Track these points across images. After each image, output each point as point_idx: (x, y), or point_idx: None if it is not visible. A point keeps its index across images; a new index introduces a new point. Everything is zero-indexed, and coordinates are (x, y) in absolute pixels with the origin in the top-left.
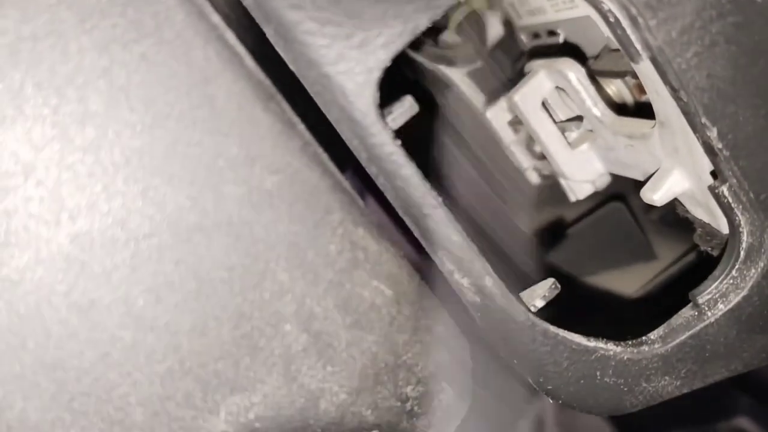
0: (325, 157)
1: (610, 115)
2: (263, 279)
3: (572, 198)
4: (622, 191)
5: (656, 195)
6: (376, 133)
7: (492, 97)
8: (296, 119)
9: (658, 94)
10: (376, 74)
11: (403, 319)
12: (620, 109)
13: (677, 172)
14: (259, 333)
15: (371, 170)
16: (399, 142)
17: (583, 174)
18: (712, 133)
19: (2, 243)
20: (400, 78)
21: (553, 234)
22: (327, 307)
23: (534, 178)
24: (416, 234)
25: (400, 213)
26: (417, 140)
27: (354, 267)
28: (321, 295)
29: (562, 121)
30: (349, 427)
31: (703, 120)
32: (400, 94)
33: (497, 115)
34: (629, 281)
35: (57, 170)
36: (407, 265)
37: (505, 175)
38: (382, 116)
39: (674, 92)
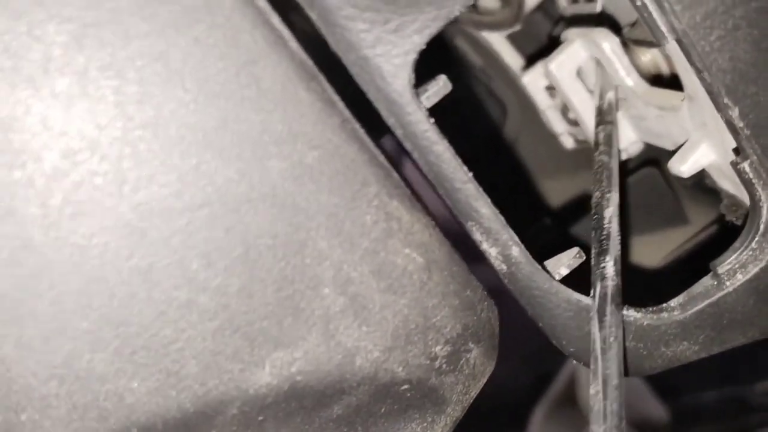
0: (362, 132)
1: (642, 85)
2: (304, 246)
3: None
4: (656, 157)
5: (684, 166)
6: (412, 112)
7: (529, 63)
8: (336, 98)
9: (687, 71)
10: (412, 56)
11: (433, 284)
12: (654, 78)
13: (705, 145)
14: (301, 295)
15: (407, 145)
16: (433, 120)
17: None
18: (734, 113)
19: (72, 213)
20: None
21: (581, 200)
22: (362, 272)
23: (569, 143)
24: (448, 204)
25: (433, 185)
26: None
27: (388, 236)
28: (357, 261)
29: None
30: (382, 382)
31: (726, 100)
32: (435, 63)
33: (534, 81)
34: (657, 247)
35: (119, 146)
36: (438, 234)
37: (539, 141)
38: (417, 96)
39: (698, 73)
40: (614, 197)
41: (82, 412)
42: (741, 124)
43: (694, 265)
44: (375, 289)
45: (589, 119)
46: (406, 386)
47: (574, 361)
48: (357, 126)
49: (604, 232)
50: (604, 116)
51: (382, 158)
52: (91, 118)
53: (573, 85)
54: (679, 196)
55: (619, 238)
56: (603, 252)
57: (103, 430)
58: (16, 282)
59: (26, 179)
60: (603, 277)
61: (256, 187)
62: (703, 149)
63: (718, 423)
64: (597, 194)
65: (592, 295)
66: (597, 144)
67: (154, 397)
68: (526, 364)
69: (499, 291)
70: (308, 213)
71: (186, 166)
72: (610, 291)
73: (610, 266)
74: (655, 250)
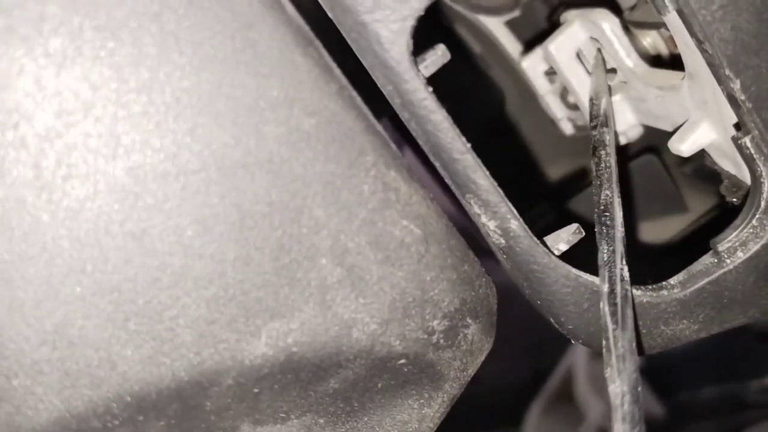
0: (359, 100)
1: (642, 67)
2: (300, 215)
3: None
4: (655, 145)
5: (684, 146)
6: (409, 79)
7: (528, 47)
8: (333, 64)
9: (687, 46)
10: (410, 23)
11: (431, 257)
12: (654, 60)
13: (705, 124)
14: (297, 265)
15: (404, 115)
16: (431, 89)
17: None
18: (736, 85)
19: (64, 175)
20: (433, 25)
21: (580, 183)
22: (360, 243)
23: (568, 129)
24: (445, 178)
25: (431, 157)
26: (449, 87)
27: (385, 207)
28: (354, 231)
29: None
30: (378, 355)
31: (727, 72)
32: (434, 41)
33: (533, 65)
34: (658, 233)
35: (113, 108)
36: (436, 207)
37: (538, 126)
38: (415, 63)
39: (699, 44)
40: (614, 176)
41: (74, 379)
42: (743, 97)
43: (693, 248)
44: (372, 261)
45: (588, 101)
46: (403, 360)
47: (573, 342)
48: (354, 94)
49: (606, 212)
50: (600, 98)
51: (379, 128)
52: (85, 79)
53: (572, 66)
54: (679, 182)
55: (622, 215)
56: (607, 232)
57: (95, 397)
58: (8, 245)
59: (19, 140)
60: (610, 261)
61: (251, 153)
62: (703, 128)
63: (715, 420)
64: (597, 174)
65: (600, 276)
66: (595, 126)
67: (147, 365)
68: (522, 359)
69: (498, 287)
70: (305, 180)
71: (181, 130)
72: (618, 272)
73: (618, 246)
74: (655, 236)
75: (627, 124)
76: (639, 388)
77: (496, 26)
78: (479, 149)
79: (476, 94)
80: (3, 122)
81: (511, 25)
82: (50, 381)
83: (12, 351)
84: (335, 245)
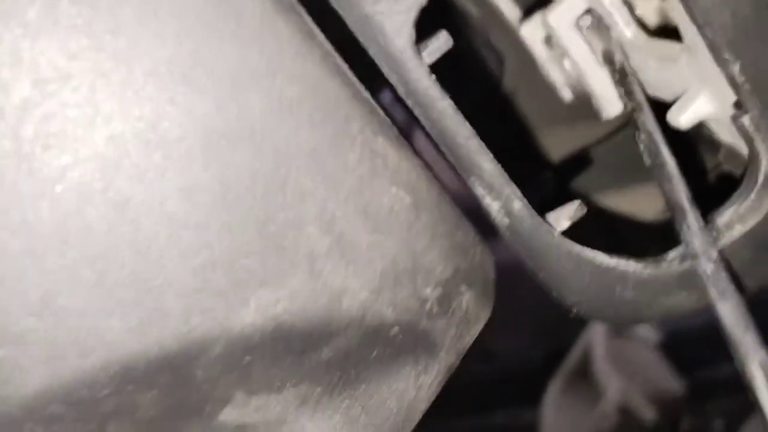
0: (345, 67)
1: (641, 37)
2: (285, 184)
3: (603, 116)
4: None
5: (682, 117)
6: (413, 69)
7: (527, 14)
8: (317, 30)
9: (686, 23)
10: (413, 14)
11: (422, 224)
12: (653, 30)
13: (703, 96)
14: (284, 234)
15: (408, 102)
16: (434, 77)
17: (613, 93)
18: (735, 67)
19: (43, 145)
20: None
21: (580, 153)
22: (347, 211)
23: (567, 95)
24: (450, 160)
25: (436, 141)
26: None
27: (373, 174)
28: (342, 200)
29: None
30: (371, 324)
31: (727, 55)
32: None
33: (532, 32)
34: (655, 202)
35: (92, 77)
36: (426, 174)
37: (538, 93)
38: (419, 53)
39: (700, 28)
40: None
41: (61, 349)
42: (742, 79)
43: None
44: (361, 229)
45: (586, 70)
46: (396, 329)
47: (575, 313)
48: (339, 60)
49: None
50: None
51: (366, 94)
52: (63, 48)
53: (572, 36)
54: (678, 147)
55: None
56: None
57: (83, 366)
58: None
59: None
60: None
61: (234, 121)
62: (701, 100)
63: (735, 396)
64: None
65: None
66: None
67: (135, 334)
68: (540, 338)
69: (513, 267)
70: (289, 149)
71: (161, 99)
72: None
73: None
74: (654, 202)
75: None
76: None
77: None
78: (480, 121)
79: (476, 60)
80: None
81: None
82: (37, 352)
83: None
84: (322, 214)
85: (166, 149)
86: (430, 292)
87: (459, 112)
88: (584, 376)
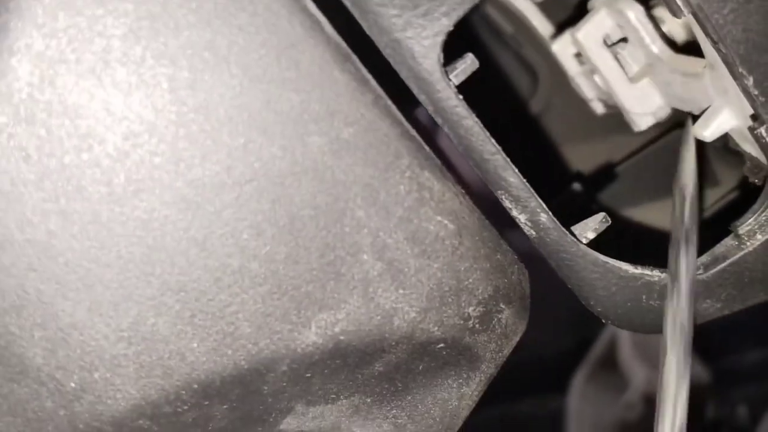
0: (393, 108)
1: (667, 53)
2: (343, 216)
3: (635, 129)
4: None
5: (707, 131)
6: (441, 90)
7: (559, 29)
8: (368, 76)
9: (705, 40)
10: (440, 38)
11: (465, 249)
12: (680, 46)
13: (726, 111)
14: (341, 261)
15: (438, 120)
16: (461, 96)
17: (643, 107)
18: (749, 81)
19: (134, 190)
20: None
21: (611, 165)
22: (398, 239)
23: (599, 109)
24: (478, 173)
25: (464, 155)
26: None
27: (420, 205)
28: (392, 229)
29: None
30: (418, 340)
31: (740, 69)
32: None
33: (562, 48)
34: None
35: (174, 128)
36: (468, 202)
37: (570, 106)
38: (446, 74)
39: (714, 44)
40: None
41: (148, 370)
42: (756, 92)
43: (720, 225)
44: (410, 255)
45: (616, 86)
46: (441, 344)
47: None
48: (389, 102)
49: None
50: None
51: (413, 132)
52: (149, 103)
53: (600, 52)
54: (706, 158)
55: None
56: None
57: (167, 386)
58: (87, 254)
59: (93, 161)
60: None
61: (298, 161)
62: (725, 114)
63: (759, 383)
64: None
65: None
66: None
67: (212, 355)
68: (567, 329)
69: (538, 257)
70: (346, 184)
71: (234, 144)
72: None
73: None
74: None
75: (656, 106)
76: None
77: (528, 8)
78: (513, 134)
79: (510, 75)
80: (79, 146)
81: (543, 7)
82: (127, 373)
83: (93, 348)
84: (375, 242)
85: (239, 190)
86: (473, 311)
87: (484, 130)
88: (610, 365)
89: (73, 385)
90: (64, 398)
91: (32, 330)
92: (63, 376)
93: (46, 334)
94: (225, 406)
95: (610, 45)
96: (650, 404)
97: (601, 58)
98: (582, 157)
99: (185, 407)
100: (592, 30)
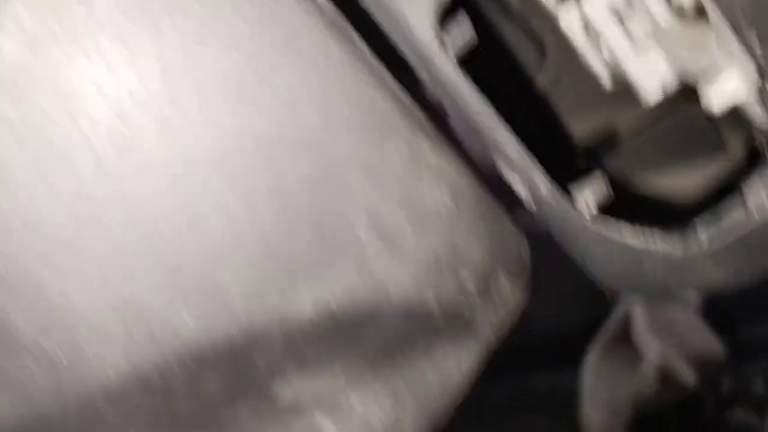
0: (391, 81)
1: (675, 26)
2: (339, 189)
3: (643, 104)
4: (692, 93)
5: (715, 100)
6: (437, 59)
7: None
8: (365, 49)
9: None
10: (434, 6)
11: (462, 219)
12: (690, 12)
13: (734, 80)
14: (335, 232)
15: (437, 92)
16: (460, 70)
17: (651, 79)
18: (751, 35)
19: (123, 164)
20: None
21: (621, 139)
22: (395, 213)
23: (608, 83)
24: (480, 144)
25: (466, 126)
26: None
27: (418, 179)
28: (390, 203)
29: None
30: (416, 312)
31: (742, 24)
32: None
33: (569, 20)
34: (694, 179)
35: (165, 103)
36: (467, 175)
37: (579, 80)
38: (444, 44)
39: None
40: None
41: (139, 344)
42: (759, 51)
43: (728, 195)
44: (406, 226)
45: (623, 57)
46: (438, 315)
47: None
48: (386, 75)
49: None
50: None
51: (411, 104)
52: (138, 78)
53: (606, 23)
54: (717, 127)
55: None
56: None
57: (159, 359)
58: (80, 232)
59: (85, 138)
60: None
61: (291, 135)
62: (732, 84)
63: None
64: None
65: None
66: None
67: (204, 331)
68: (579, 304)
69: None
70: (340, 157)
71: (226, 119)
72: None
73: None
74: (692, 182)
75: (664, 78)
76: None
77: None
78: (515, 111)
79: (516, 50)
80: (71, 125)
81: None
82: (117, 345)
83: (82, 320)
84: (372, 216)
85: (231, 162)
86: (470, 280)
87: (487, 102)
88: (624, 341)
89: (63, 358)
90: (54, 371)
91: (22, 304)
92: (52, 349)
93: (36, 309)
94: (217, 378)
95: (616, 15)
96: (664, 378)
97: (608, 28)
98: (591, 132)
99: (177, 381)
100: (598, 2)
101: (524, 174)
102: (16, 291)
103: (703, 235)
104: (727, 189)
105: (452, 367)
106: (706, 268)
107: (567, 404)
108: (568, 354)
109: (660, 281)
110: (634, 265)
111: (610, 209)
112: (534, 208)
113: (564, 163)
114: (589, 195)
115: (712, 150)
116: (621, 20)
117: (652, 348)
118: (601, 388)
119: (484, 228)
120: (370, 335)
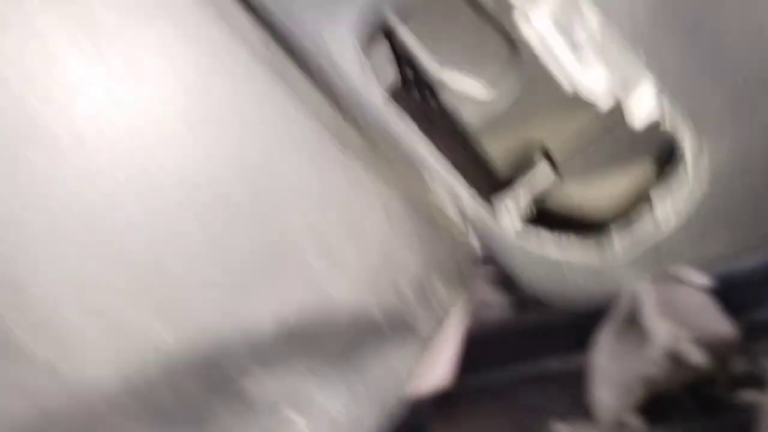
0: (327, 109)
1: (603, 33)
2: (282, 214)
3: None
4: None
5: (635, 119)
6: (367, 97)
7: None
8: (299, 75)
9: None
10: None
11: (398, 239)
12: None
13: (647, 94)
14: (285, 253)
15: (364, 118)
16: (390, 102)
17: (597, 88)
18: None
19: (92, 175)
20: None
21: (579, 144)
22: (338, 231)
23: (568, 88)
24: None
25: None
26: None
27: (355, 200)
28: (331, 221)
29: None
30: (361, 321)
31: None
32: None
33: (528, 29)
34: (611, 192)
35: (125, 128)
36: (400, 195)
37: (538, 84)
38: (368, 70)
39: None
40: None
41: (117, 350)
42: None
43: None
44: (348, 245)
45: (570, 67)
46: (382, 320)
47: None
48: (323, 103)
49: None
50: None
51: (347, 130)
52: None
53: (551, 33)
54: (636, 141)
55: None
56: None
57: (138, 367)
58: (54, 235)
59: (52, 149)
60: None
61: (235, 166)
62: (646, 97)
63: None
64: None
65: None
66: None
67: (180, 343)
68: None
69: None
70: (287, 185)
71: (198, 152)
72: None
73: None
74: (609, 193)
75: (603, 93)
76: None
77: None
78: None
79: (490, 51)
80: (36, 135)
81: None
82: (101, 351)
83: (64, 324)
84: (314, 232)
85: (188, 190)
86: (407, 288)
87: (411, 123)
88: (635, 322)
89: (47, 360)
90: (38, 374)
91: (7, 304)
92: (36, 352)
93: (20, 310)
94: (194, 379)
95: (560, 26)
96: (673, 359)
97: (553, 38)
98: (554, 134)
99: (159, 382)
100: (541, 10)
101: (450, 188)
102: (6, 292)
103: (618, 245)
104: (641, 200)
105: (399, 365)
106: (620, 272)
107: (578, 384)
108: (579, 335)
109: (580, 287)
110: (554, 272)
111: (532, 220)
112: (463, 221)
113: (489, 176)
114: (511, 206)
115: (629, 162)
116: (563, 29)
117: (660, 330)
118: (612, 369)
119: (417, 241)
120: (325, 340)
